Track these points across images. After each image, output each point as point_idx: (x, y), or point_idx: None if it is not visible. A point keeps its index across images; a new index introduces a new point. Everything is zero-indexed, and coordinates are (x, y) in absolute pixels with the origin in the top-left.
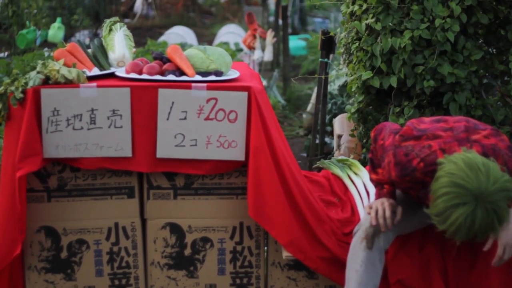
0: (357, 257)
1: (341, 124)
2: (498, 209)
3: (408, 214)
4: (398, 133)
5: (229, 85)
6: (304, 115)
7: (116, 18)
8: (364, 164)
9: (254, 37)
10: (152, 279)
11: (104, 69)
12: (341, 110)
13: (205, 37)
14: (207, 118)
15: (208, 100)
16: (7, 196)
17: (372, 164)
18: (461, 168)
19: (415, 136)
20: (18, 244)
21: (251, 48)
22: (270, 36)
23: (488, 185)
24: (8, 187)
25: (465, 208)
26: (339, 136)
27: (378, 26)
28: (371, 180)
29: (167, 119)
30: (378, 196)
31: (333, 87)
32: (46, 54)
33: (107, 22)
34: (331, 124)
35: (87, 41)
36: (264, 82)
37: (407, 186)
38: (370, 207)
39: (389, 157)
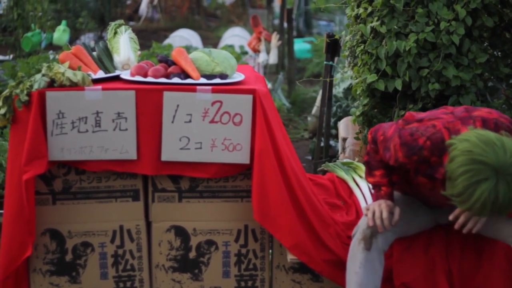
0: (356, 259)
1: (346, 127)
2: None
3: (408, 215)
4: (399, 120)
5: (234, 88)
6: (309, 118)
7: (121, 21)
8: None
9: (259, 40)
10: (157, 282)
11: (109, 72)
12: (346, 113)
13: (210, 40)
14: (212, 121)
15: (213, 103)
16: (15, 199)
17: (368, 167)
18: (476, 144)
19: (417, 119)
20: (28, 246)
21: (256, 51)
22: (275, 39)
23: (506, 157)
24: (15, 190)
25: (488, 183)
26: (344, 139)
27: (383, 29)
28: (369, 183)
29: (172, 122)
30: (376, 198)
31: (338, 90)
32: (51, 57)
33: (112, 25)
34: (336, 127)
35: (92, 44)
36: (269, 85)
37: (413, 166)
38: (368, 209)
39: (394, 140)
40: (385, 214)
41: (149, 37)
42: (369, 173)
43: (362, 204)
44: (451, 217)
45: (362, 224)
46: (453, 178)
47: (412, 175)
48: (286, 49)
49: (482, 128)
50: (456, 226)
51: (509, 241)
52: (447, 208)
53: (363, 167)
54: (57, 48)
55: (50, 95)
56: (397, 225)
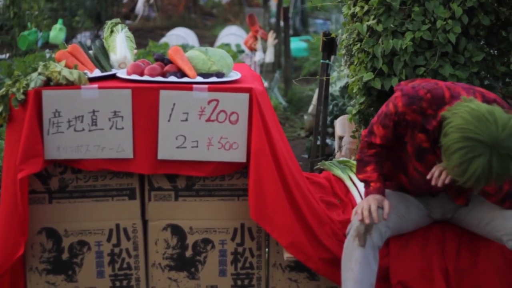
0: (351, 256)
1: (342, 126)
2: None
3: (401, 212)
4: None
5: (230, 87)
6: (305, 117)
7: (118, 20)
8: None
9: (256, 38)
10: (153, 280)
11: (106, 71)
12: (343, 112)
13: (207, 39)
14: (208, 120)
15: (209, 102)
16: (10, 198)
17: (359, 164)
18: (469, 121)
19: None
20: (20, 245)
21: (253, 50)
22: (271, 37)
23: (499, 133)
24: (10, 188)
25: (481, 159)
26: (341, 138)
27: (379, 28)
28: (359, 180)
29: (169, 120)
30: (366, 194)
31: (334, 89)
32: (47, 55)
33: (109, 23)
34: (332, 126)
35: (88, 42)
36: (266, 84)
37: (411, 118)
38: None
39: (396, 94)
40: (373, 207)
41: (145, 35)
42: (360, 170)
43: (358, 202)
44: (428, 176)
45: (356, 221)
46: (448, 153)
47: (409, 140)
48: (282, 48)
49: (481, 101)
50: (433, 182)
51: (503, 240)
52: (438, 202)
53: None
54: (54, 47)
55: (46, 93)
56: (389, 218)
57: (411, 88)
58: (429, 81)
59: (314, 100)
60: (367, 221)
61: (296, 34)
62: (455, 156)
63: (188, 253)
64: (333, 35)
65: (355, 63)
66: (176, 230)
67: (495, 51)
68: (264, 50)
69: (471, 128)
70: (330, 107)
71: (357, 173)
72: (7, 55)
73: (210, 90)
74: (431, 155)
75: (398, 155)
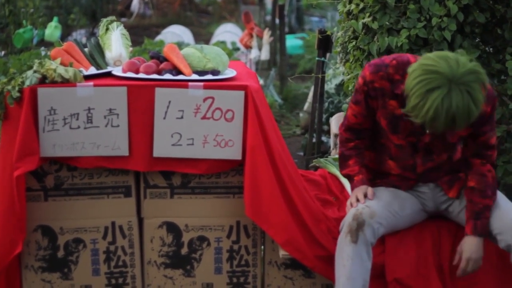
0: (343, 253)
1: (338, 123)
2: (471, 90)
3: (395, 209)
4: None
5: (226, 84)
6: (301, 114)
7: (113, 17)
8: None
9: (251, 36)
10: (149, 278)
11: (101, 68)
12: (338, 109)
13: (202, 36)
14: (204, 117)
15: (205, 99)
16: (6, 196)
17: (342, 159)
18: (431, 58)
19: None
20: (18, 243)
21: (248, 47)
22: (267, 35)
23: (459, 68)
24: (6, 187)
25: (440, 90)
26: (336, 135)
27: (375, 25)
28: (342, 175)
29: (164, 118)
30: (352, 188)
31: (330, 86)
32: (43, 53)
33: (104, 21)
34: (328, 123)
35: (84, 40)
36: (261, 81)
37: (378, 86)
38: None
39: (364, 67)
40: (360, 196)
41: (141, 33)
42: (342, 166)
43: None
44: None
45: (348, 218)
46: (409, 92)
47: (381, 112)
48: (278, 45)
49: None
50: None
51: (496, 239)
52: (431, 194)
53: None
54: (49, 45)
55: (41, 91)
56: (382, 215)
57: (378, 59)
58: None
59: (310, 98)
60: (354, 205)
61: (292, 31)
62: (414, 91)
63: (184, 250)
64: (328, 33)
65: (351, 60)
66: (172, 228)
67: (491, 49)
68: (260, 48)
69: (431, 63)
70: (326, 104)
71: (340, 169)
72: (3, 53)
73: (205, 87)
74: (404, 122)
75: (379, 142)
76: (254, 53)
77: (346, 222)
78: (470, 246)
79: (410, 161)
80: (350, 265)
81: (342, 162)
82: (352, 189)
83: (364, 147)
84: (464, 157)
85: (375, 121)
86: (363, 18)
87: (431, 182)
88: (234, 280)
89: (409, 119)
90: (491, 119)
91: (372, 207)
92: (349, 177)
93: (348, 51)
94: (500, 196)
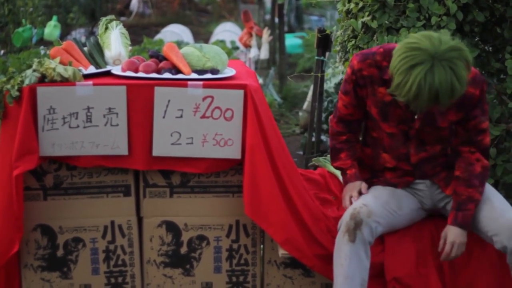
0: (341, 252)
1: None
2: (454, 66)
3: (393, 208)
4: None
5: (225, 83)
6: (300, 113)
7: (112, 16)
8: None
9: (250, 35)
10: (148, 277)
11: (100, 67)
12: None
13: (201, 35)
14: (203, 116)
15: (204, 98)
16: (4, 195)
17: (333, 152)
18: (414, 36)
19: None
20: (15, 242)
21: (247, 46)
22: (266, 34)
23: (441, 45)
24: (5, 186)
25: (422, 66)
26: None
27: (374, 24)
28: (334, 168)
29: (163, 117)
30: (344, 183)
31: (329, 85)
32: (42, 52)
33: (103, 20)
34: (327, 122)
35: (83, 39)
36: (260, 80)
37: (368, 73)
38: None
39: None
40: (354, 194)
41: (140, 32)
42: (334, 158)
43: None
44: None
45: (346, 217)
46: (393, 71)
47: (371, 100)
48: (277, 44)
49: None
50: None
51: (493, 240)
52: (428, 191)
53: None
54: (48, 44)
55: (41, 90)
56: (380, 214)
57: (366, 50)
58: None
59: (309, 97)
60: (346, 205)
61: (291, 30)
62: (397, 68)
63: (183, 249)
64: (327, 32)
65: (350, 59)
66: (171, 227)
67: (490, 48)
68: (259, 47)
69: (414, 41)
70: (325, 103)
71: (332, 161)
72: (2, 52)
73: (205, 86)
74: (395, 108)
75: (372, 136)
76: (253, 52)
77: (344, 221)
78: (452, 232)
79: (403, 150)
80: (348, 264)
81: (334, 155)
82: (345, 183)
83: (356, 140)
84: (454, 146)
85: (367, 112)
86: (363, 17)
87: (427, 178)
88: (234, 279)
89: (399, 107)
90: (481, 103)
91: (369, 206)
92: (341, 170)
93: (347, 50)
94: (496, 196)
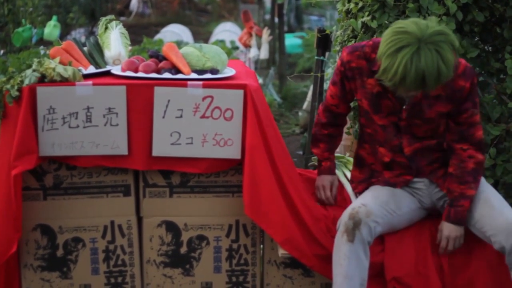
0: (340, 252)
1: None
2: (441, 50)
3: (392, 208)
4: None
5: (225, 83)
6: (300, 113)
7: (112, 16)
8: None
9: (250, 35)
10: (148, 277)
11: (100, 67)
12: None
13: (201, 35)
14: (203, 116)
15: (204, 98)
16: (3, 195)
17: (314, 138)
18: (401, 22)
19: None
20: (14, 242)
21: (247, 46)
22: (266, 34)
23: (428, 29)
24: (4, 185)
25: (409, 48)
26: None
27: (374, 24)
28: (313, 153)
29: (163, 117)
30: (318, 173)
31: (329, 85)
32: (42, 52)
33: (103, 20)
34: None
35: (83, 39)
36: (260, 80)
37: (357, 65)
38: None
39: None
40: (327, 193)
41: (140, 32)
42: (313, 144)
43: (353, 199)
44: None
45: (344, 217)
46: (380, 56)
47: (361, 92)
48: (277, 44)
49: None
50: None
51: (491, 240)
52: (426, 190)
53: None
54: (48, 44)
55: (40, 90)
56: (378, 213)
57: (356, 44)
58: None
59: (309, 97)
60: (327, 202)
61: (291, 30)
62: (384, 52)
63: (183, 249)
64: (327, 32)
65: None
66: (171, 227)
67: (490, 48)
68: (259, 47)
69: (401, 25)
70: None
71: (311, 146)
72: (2, 51)
73: (204, 86)
74: (385, 100)
75: (367, 132)
76: (253, 52)
77: (342, 222)
78: (447, 227)
79: (395, 141)
80: (347, 264)
81: (314, 141)
82: (318, 173)
83: (338, 134)
84: (448, 142)
85: (359, 107)
86: (362, 17)
87: (425, 176)
88: (233, 279)
89: (388, 98)
90: (472, 96)
91: (368, 206)
92: (318, 160)
93: None
94: (495, 195)
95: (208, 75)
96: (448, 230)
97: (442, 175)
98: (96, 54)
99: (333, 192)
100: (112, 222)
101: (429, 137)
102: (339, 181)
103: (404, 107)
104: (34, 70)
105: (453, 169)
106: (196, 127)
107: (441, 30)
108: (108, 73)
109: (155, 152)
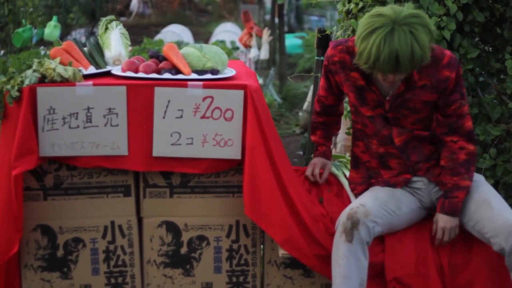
0: (339, 252)
1: None
2: (415, 31)
3: (392, 208)
4: None
5: (225, 84)
6: (300, 114)
7: (112, 17)
8: None
9: (250, 35)
10: (149, 277)
11: (100, 68)
12: None
13: (201, 36)
14: (203, 117)
15: (204, 99)
16: (4, 195)
17: (312, 126)
18: (378, 7)
19: None
20: (15, 243)
21: (247, 47)
22: (266, 34)
23: (402, 12)
24: (4, 186)
25: (382, 29)
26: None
27: None
28: (312, 141)
29: (163, 117)
30: (314, 155)
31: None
32: (42, 52)
33: (103, 20)
34: None
35: (83, 39)
36: (260, 81)
37: (339, 58)
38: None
39: None
40: (316, 171)
41: (140, 32)
42: (312, 132)
43: (352, 200)
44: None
45: (342, 217)
46: (357, 41)
47: (347, 86)
48: (277, 45)
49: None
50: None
51: (490, 241)
52: (426, 189)
53: None
54: (48, 44)
55: (41, 90)
56: (377, 213)
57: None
58: None
59: (309, 97)
60: (311, 179)
61: (291, 31)
62: (359, 35)
63: (183, 250)
64: (328, 32)
65: None
66: (171, 227)
67: (490, 48)
68: (259, 47)
69: (377, 9)
70: None
71: (311, 134)
72: (2, 52)
73: (205, 87)
74: (369, 92)
75: (358, 128)
76: (253, 52)
77: (341, 222)
78: (441, 219)
79: (385, 132)
80: (346, 264)
81: (312, 128)
82: (314, 155)
83: (333, 123)
84: (438, 136)
85: (350, 102)
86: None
87: (423, 174)
88: (234, 279)
89: (372, 91)
90: (459, 87)
91: (367, 206)
92: (315, 145)
93: None
94: (494, 196)
95: (209, 76)
96: (443, 221)
97: (438, 173)
98: (96, 55)
99: (324, 174)
100: (113, 223)
101: (419, 128)
102: (339, 181)
103: (387, 98)
104: (34, 71)
105: (445, 161)
106: (197, 127)
107: (415, 13)
108: (108, 74)
109: (156, 153)
